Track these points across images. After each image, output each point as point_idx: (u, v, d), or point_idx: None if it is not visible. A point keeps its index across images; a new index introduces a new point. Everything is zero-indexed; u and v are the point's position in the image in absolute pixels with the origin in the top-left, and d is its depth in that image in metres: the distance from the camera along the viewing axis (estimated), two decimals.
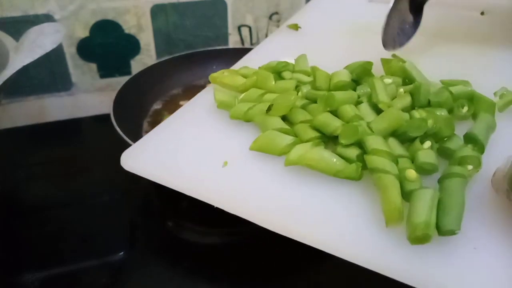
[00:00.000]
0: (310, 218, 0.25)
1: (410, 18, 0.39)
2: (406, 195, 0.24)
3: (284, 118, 0.31)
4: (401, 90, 0.32)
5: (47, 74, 0.65)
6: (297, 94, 0.33)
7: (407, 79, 0.34)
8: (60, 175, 0.53)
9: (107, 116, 0.47)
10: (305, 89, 0.34)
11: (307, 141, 0.28)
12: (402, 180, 0.25)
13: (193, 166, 0.29)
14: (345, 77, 0.33)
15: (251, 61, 0.40)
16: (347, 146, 0.27)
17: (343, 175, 0.26)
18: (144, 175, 0.30)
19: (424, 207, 0.23)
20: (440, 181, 0.26)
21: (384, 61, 0.36)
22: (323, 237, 0.25)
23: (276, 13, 0.70)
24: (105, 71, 0.67)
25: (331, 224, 0.25)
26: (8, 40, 0.47)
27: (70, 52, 0.64)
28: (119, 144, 0.43)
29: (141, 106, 0.57)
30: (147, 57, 0.68)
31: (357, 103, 0.31)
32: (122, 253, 0.41)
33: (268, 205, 0.26)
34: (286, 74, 0.36)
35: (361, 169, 0.26)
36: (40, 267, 0.40)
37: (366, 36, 0.41)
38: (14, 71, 0.40)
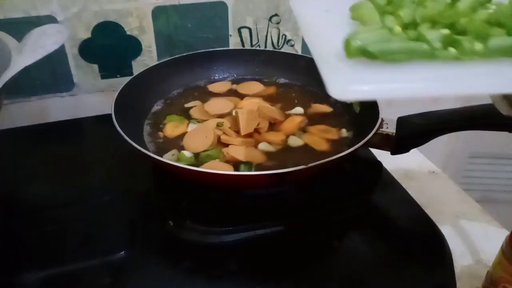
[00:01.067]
0: None
1: None
2: None
3: None
4: None
5: (49, 74, 0.65)
6: None
7: None
8: (61, 175, 0.53)
9: (108, 117, 0.47)
10: None
11: None
12: None
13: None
14: None
15: None
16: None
17: None
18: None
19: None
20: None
21: None
22: None
23: (276, 15, 0.71)
24: (107, 72, 0.68)
25: None
26: (10, 41, 0.47)
27: (72, 53, 0.64)
28: (120, 144, 0.44)
29: (142, 107, 0.57)
30: (148, 58, 0.68)
31: None
32: (122, 252, 0.41)
33: None
34: None
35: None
36: (40, 267, 0.40)
37: None
38: (16, 71, 0.40)
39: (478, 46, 0.25)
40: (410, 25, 0.27)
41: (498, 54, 0.24)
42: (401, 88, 0.24)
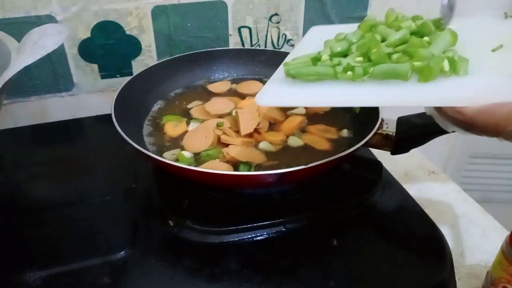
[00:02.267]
0: None
1: None
2: None
3: None
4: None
5: (49, 74, 0.65)
6: None
7: None
8: (62, 174, 0.53)
9: (108, 117, 0.47)
10: None
11: None
12: None
13: None
14: None
15: None
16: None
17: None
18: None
19: None
20: None
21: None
22: None
23: (276, 14, 0.71)
24: (107, 72, 0.68)
25: None
26: (10, 40, 0.47)
27: (71, 53, 0.64)
28: (120, 144, 0.44)
29: (142, 107, 0.57)
30: (148, 58, 0.68)
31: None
32: (123, 252, 0.41)
33: None
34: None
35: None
36: (42, 266, 0.40)
37: None
38: (16, 71, 0.40)
39: (366, 70, 0.32)
40: (337, 55, 0.34)
41: (381, 77, 0.31)
42: (299, 100, 0.34)
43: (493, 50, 0.31)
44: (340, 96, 0.32)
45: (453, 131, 0.31)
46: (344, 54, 0.35)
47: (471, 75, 0.29)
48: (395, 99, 0.30)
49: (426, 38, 0.33)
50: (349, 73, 0.33)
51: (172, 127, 0.53)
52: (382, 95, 0.31)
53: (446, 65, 0.29)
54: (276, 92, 0.34)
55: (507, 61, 0.29)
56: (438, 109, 0.30)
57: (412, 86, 0.30)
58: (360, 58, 0.33)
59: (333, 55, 0.34)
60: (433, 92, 0.29)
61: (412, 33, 0.34)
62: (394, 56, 0.32)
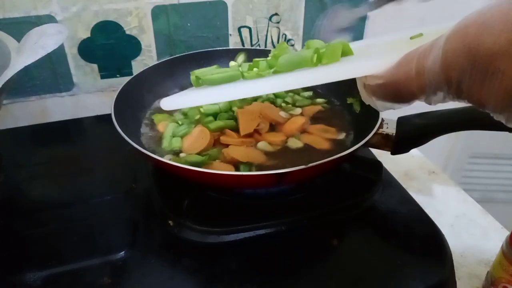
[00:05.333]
0: None
1: None
2: None
3: None
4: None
5: (49, 74, 0.65)
6: None
7: None
8: (62, 174, 0.53)
9: (108, 117, 0.47)
10: None
11: None
12: None
13: None
14: None
15: None
16: None
17: None
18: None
19: None
20: None
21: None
22: None
23: (276, 14, 0.71)
24: (106, 72, 0.68)
25: None
26: (10, 40, 0.47)
27: (71, 53, 0.64)
28: (120, 143, 0.44)
29: (142, 107, 0.57)
30: (148, 58, 0.68)
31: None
32: (123, 252, 0.41)
33: None
34: None
35: None
36: (42, 266, 0.40)
37: None
38: (16, 71, 0.40)
39: (271, 64, 0.36)
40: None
41: (287, 68, 0.34)
42: (198, 99, 0.37)
43: (411, 38, 0.32)
44: (244, 89, 0.34)
45: (385, 109, 0.31)
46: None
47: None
48: (304, 79, 0.32)
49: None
50: (255, 69, 0.36)
51: (164, 127, 0.53)
52: (287, 78, 0.33)
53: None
54: (180, 97, 0.39)
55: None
56: (365, 88, 0.31)
57: (317, 69, 0.32)
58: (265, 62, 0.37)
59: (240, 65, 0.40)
60: (340, 70, 0.32)
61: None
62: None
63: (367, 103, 0.32)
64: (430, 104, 0.27)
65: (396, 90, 0.28)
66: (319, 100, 0.60)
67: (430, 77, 0.25)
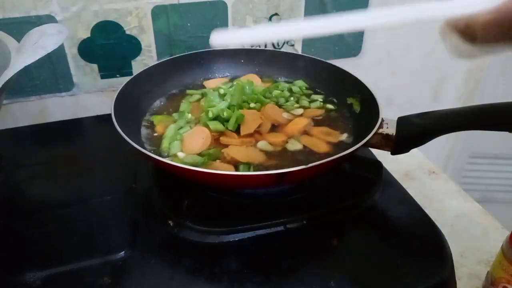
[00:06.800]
0: None
1: None
2: None
3: None
4: None
5: (49, 74, 0.65)
6: None
7: None
8: (62, 174, 0.53)
9: (108, 117, 0.47)
10: None
11: None
12: None
13: None
14: None
15: None
16: None
17: None
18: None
19: None
20: None
21: None
22: None
23: (276, 14, 0.71)
24: (106, 72, 0.68)
25: None
26: (10, 40, 0.47)
27: (71, 53, 0.64)
28: (120, 143, 0.44)
29: (142, 106, 0.57)
30: (148, 58, 0.68)
31: None
32: (123, 252, 0.41)
33: None
34: None
35: None
36: (41, 266, 0.40)
37: None
38: (16, 71, 0.40)
39: None
40: None
41: None
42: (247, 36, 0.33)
43: None
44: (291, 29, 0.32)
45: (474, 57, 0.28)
46: None
47: None
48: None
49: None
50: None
51: (164, 128, 0.53)
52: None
53: None
54: (230, 33, 0.36)
55: None
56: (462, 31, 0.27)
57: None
58: None
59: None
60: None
61: None
62: None
63: (454, 55, 0.29)
64: None
65: (495, 32, 0.25)
66: (329, 106, 0.59)
67: None
